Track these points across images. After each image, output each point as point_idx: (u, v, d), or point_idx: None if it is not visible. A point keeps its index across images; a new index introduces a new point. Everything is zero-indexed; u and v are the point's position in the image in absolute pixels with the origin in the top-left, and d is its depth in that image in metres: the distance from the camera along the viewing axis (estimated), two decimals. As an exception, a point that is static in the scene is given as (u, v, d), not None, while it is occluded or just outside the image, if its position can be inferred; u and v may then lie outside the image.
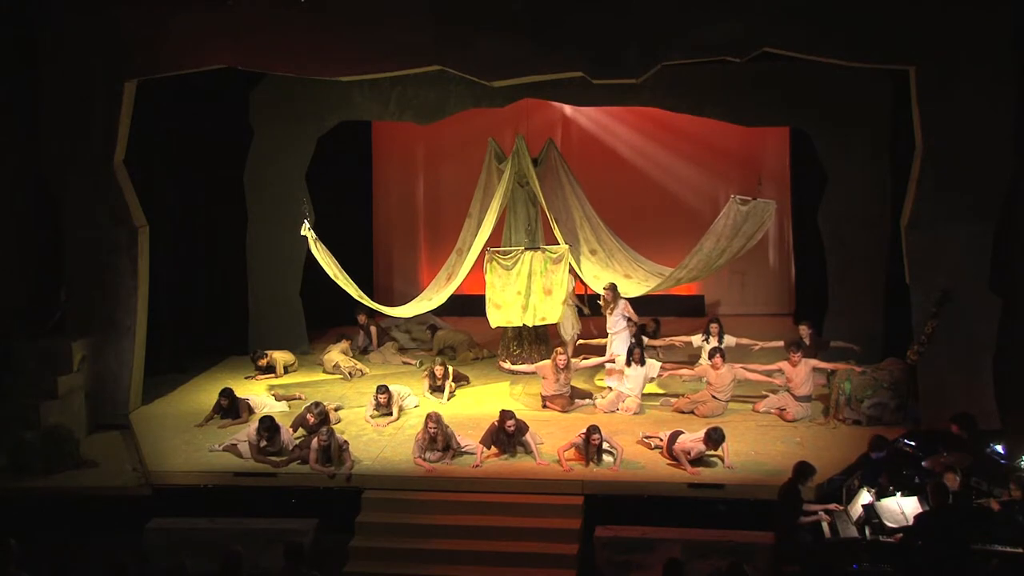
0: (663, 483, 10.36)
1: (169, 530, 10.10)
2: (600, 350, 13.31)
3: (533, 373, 12.81)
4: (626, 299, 13.10)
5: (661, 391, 13.01)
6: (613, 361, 12.77)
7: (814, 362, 12.09)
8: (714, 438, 10.41)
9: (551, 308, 13.41)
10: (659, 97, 14.07)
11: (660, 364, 12.73)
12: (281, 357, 14.25)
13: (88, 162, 12.28)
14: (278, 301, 15.15)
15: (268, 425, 10.91)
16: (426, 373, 13.27)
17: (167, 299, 14.08)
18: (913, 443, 10.55)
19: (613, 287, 13.07)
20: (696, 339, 13.59)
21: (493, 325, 13.70)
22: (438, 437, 10.81)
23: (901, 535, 8.87)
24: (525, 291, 13.43)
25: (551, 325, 13.82)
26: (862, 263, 13.98)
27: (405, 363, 14.73)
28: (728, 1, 11.38)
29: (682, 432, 10.79)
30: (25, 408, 11.54)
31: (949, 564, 8.53)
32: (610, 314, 13.04)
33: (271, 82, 14.42)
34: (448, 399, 12.91)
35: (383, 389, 12.23)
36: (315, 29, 11.90)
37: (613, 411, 12.32)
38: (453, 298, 13.74)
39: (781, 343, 12.75)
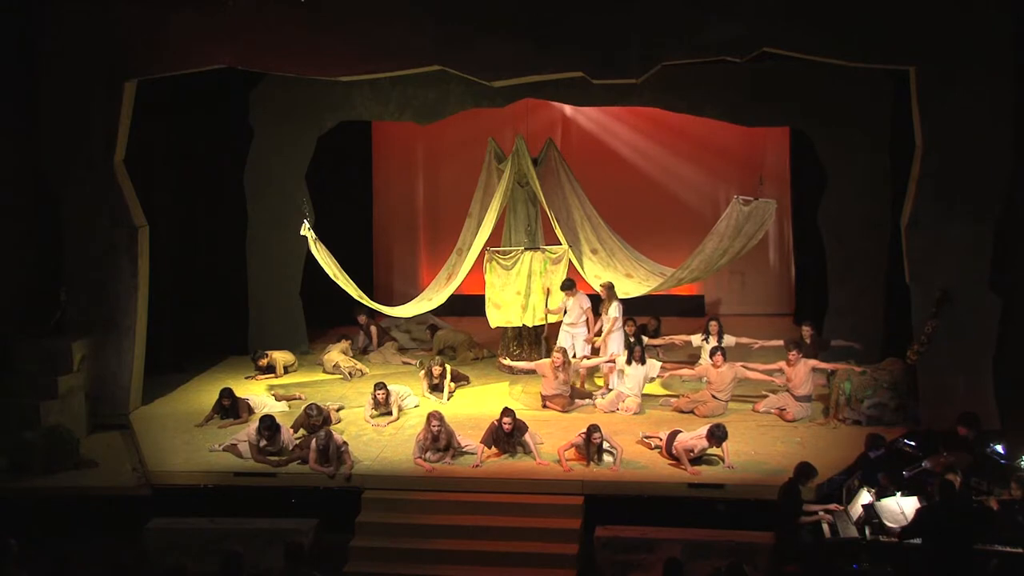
0: (663, 483, 10.36)
1: (169, 530, 10.10)
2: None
3: (533, 371, 12.81)
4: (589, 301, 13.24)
5: (663, 391, 13.01)
6: (613, 362, 12.77)
7: (813, 362, 12.09)
8: (717, 435, 10.41)
9: (551, 307, 13.42)
10: (659, 97, 14.07)
11: (660, 364, 12.74)
12: (281, 357, 14.25)
13: (88, 162, 12.29)
14: (278, 301, 15.15)
15: (268, 425, 10.91)
16: (424, 373, 13.27)
17: (167, 299, 14.08)
18: (913, 443, 10.55)
19: (610, 286, 13.08)
20: (696, 338, 13.59)
21: (493, 325, 13.71)
22: (441, 436, 10.81)
23: (901, 535, 8.87)
24: (525, 291, 13.45)
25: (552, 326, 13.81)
26: (862, 263, 13.98)
27: (405, 363, 14.72)
28: (728, 1, 11.38)
29: (680, 431, 10.79)
30: (25, 408, 11.53)
31: (949, 564, 8.53)
32: (605, 313, 13.06)
33: (271, 82, 14.42)
34: (448, 399, 12.91)
35: (381, 386, 12.24)
36: (315, 29, 11.90)
37: (613, 411, 12.32)
38: (453, 298, 13.74)
39: (780, 342, 12.76)
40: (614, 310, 13.00)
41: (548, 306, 13.40)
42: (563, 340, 13.12)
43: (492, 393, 13.30)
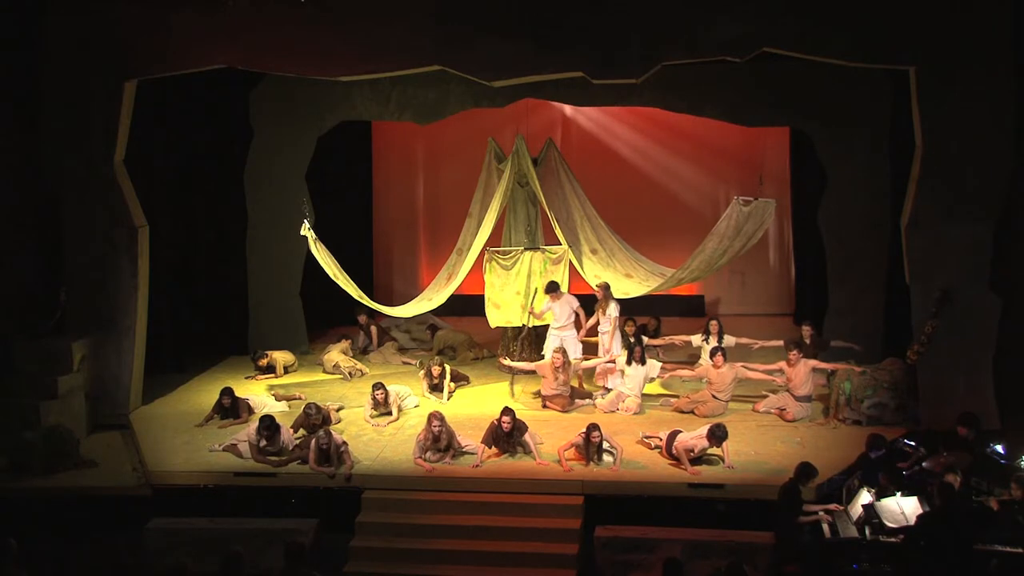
0: (663, 483, 10.36)
1: (169, 530, 10.10)
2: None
3: (533, 372, 12.81)
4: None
5: (663, 391, 13.01)
6: (613, 362, 12.78)
7: (813, 362, 12.08)
8: (717, 435, 10.40)
9: (551, 308, 13.45)
10: (659, 97, 14.07)
11: (660, 364, 12.74)
12: (281, 357, 14.25)
13: (88, 162, 12.29)
14: (278, 301, 15.14)
15: (268, 425, 10.91)
16: (423, 373, 13.27)
17: (167, 299, 14.08)
18: (913, 443, 10.56)
19: (606, 286, 13.07)
20: (696, 339, 13.58)
21: (492, 325, 13.71)
22: (442, 436, 10.80)
23: (903, 535, 8.87)
24: (525, 291, 13.45)
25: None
26: (862, 263, 13.98)
27: (405, 363, 14.72)
28: (728, 1, 11.38)
29: (680, 431, 10.79)
30: (25, 408, 11.53)
31: (949, 564, 8.53)
32: (602, 314, 13.05)
33: (271, 82, 14.42)
34: (448, 399, 12.91)
35: (379, 386, 12.24)
36: (315, 29, 11.90)
37: (613, 411, 12.32)
38: (453, 298, 13.73)
39: (780, 342, 12.76)
40: (613, 310, 12.99)
41: (533, 308, 13.33)
42: (552, 343, 13.10)
43: (492, 393, 13.28)
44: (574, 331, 13.21)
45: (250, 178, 15.02)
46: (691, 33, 11.49)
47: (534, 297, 13.30)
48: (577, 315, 13.25)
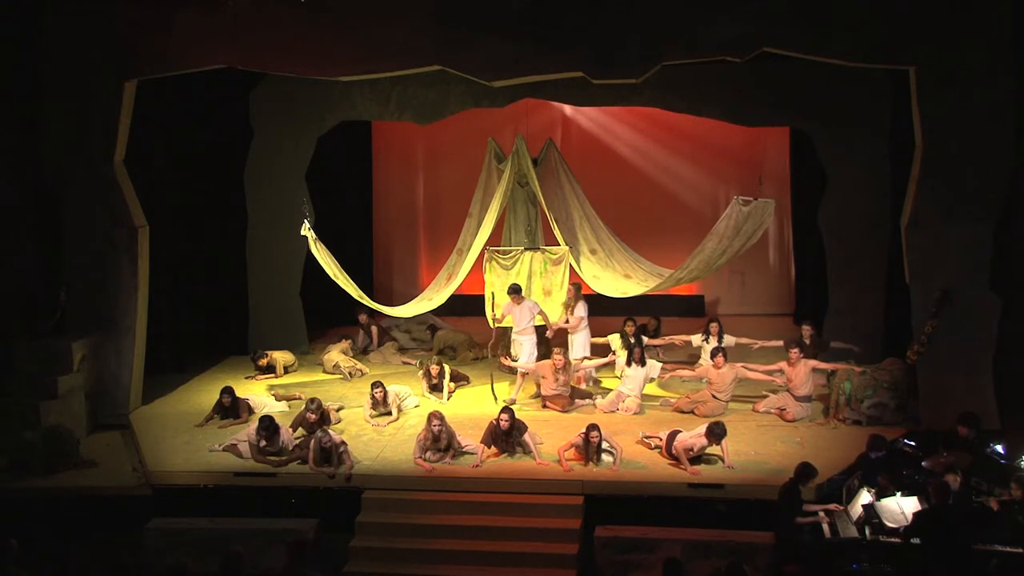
0: (663, 483, 10.36)
1: (169, 530, 10.10)
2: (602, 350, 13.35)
3: (533, 372, 12.81)
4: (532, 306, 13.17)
5: (663, 392, 13.00)
6: (614, 363, 12.76)
7: (813, 363, 12.08)
8: (716, 432, 10.41)
9: (550, 309, 13.40)
10: (659, 97, 14.08)
11: (661, 365, 12.74)
12: (281, 357, 14.26)
13: (88, 162, 12.29)
14: (278, 301, 15.15)
15: (268, 425, 10.91)
16: (423, 373, 13.26)
17: (167, 299, 14.09)
18: (913, 443, 10.56)
19: (577, 286, 13.07)
20: (696, 339, 13.59)
21: (493, 325, 13.69)
22: (442, 436, 10.80)
23: (903, 535, 8.87)
24: (525, 291, 13.43)
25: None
26: (862, 263, 13.98)
27: (405, 363, 14.72)
28: (728, 1, 11.39)
29: (680, 431, 10.79)
30: (25, 408, 11.54)
31: (949, 564, 8.53)
32: (570, 314, 13.05)
33: (271, 82, 14.43)
34: (447, 399, 12.91)
35: (378, 385, 12.24)
36: (315, 29, 11.91)
37: (613, 411, 12.32)
38: (453, 298, 13.74)
39: (780, 342, 12.76)
40: (580, 309, 13.02)
41: (493, 311, 13.19)
42: (513, 348, 13.18)
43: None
44: (533, 335, 13.18)
45: (250, 178, 15.03)
46: (691, 33, 11.49)
47: (492, 300, 13.25)
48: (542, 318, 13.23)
